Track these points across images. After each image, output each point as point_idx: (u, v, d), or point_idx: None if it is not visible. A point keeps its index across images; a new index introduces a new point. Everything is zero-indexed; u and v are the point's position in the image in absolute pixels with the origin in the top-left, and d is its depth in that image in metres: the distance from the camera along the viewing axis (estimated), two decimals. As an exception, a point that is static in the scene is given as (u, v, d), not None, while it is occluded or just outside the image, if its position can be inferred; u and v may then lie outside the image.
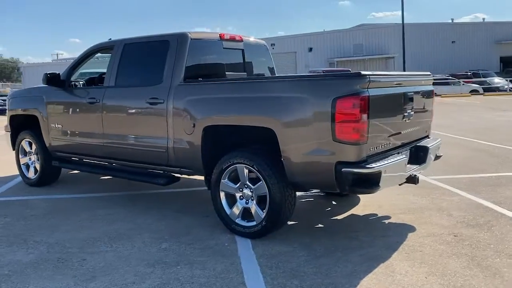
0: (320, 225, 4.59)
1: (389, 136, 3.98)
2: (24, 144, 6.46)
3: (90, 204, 5.53)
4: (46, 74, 5.64)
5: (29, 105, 6.28)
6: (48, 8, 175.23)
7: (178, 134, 4.55)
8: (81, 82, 5.97)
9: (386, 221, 4.67)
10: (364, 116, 3.52)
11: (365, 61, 41.72)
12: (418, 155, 4.48)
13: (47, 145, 6.06)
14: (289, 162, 3.86)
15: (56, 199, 5.80)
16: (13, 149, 6.67)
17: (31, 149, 6.38)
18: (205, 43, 5.02)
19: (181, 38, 4.73)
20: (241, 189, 4.20)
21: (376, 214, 4.91)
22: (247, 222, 4.19)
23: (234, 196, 4.26)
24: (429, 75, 4.85)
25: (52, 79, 5.62)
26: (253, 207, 4.13)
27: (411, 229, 4.40)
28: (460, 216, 4.71)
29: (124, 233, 4.43)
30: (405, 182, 4.23)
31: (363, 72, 3.56)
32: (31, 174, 6.45)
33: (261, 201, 4.07)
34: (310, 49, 42.92)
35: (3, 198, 5.93)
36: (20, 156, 6.56)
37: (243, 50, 5.46)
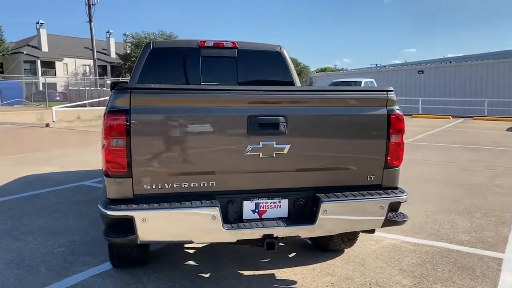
0: (203, 275, 3.66)
1: (206, 174, 2.85)
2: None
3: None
4: (111, 81, 6.50)
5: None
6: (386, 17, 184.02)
7: None
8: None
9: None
10: (118, 141, 2.69)
11: None
12: (308, 210, 2.99)
13: None
14: None
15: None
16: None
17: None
18: (175, 52, 4.72)
19: (145, 47, 4.66)
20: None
21: (293, 282, 3.50)
22: None
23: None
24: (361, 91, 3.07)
25: (113, 87, 6.41)
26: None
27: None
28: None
29: (49, 232, 4.64)
30: (255, 244, 2.94)
31: (124, 84, 2.73)
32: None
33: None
34: None
35: (72, 184, 7.13)
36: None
37: (236, 58, 4.82)
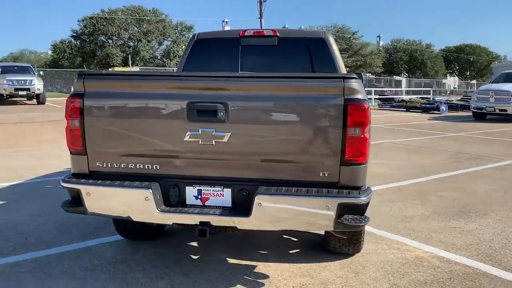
0: (192, 256, 3.77)
1: (149, 157, 2.96)
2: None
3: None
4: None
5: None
6: None
7: None
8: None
9: None
10: (75, 121, 3.00)
11: None
12: (246, 201, 2.86)
13: None
14: None
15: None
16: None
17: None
18: (217, 42, 4.87)
19: (190, 38, 4.95)
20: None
21: (266, 277, 3.36)
22: None
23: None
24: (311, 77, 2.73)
25: None
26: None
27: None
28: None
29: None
30: (192, 229, 2.97)
31: (82, 71, 3.02)
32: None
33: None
34: None
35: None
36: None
37: (276, 46, 4.74)
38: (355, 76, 2.74)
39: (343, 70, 4.63)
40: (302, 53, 4.74)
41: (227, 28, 57.34)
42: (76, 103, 2.98)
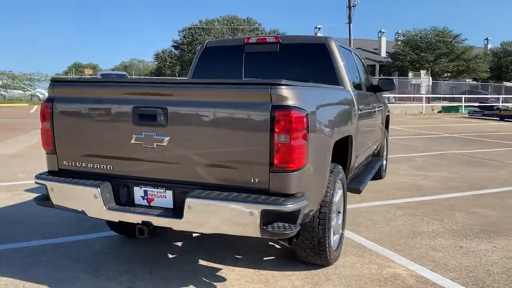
0: (169, 254, 3.92)
1: (104, 158, 3.17)
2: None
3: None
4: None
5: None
6: None
7: None
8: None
9: None
10: (46, 124, 3.33)
11: None
12: (181, 203, 2.94)
13: None
14: None
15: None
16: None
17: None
18: (223, 50, 4.99)
19: (200, 47, 5.16)
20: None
21: (223, 279, 3.39)
22: None
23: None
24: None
25: None
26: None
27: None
28: None
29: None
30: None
31: (53, 78, 3.33)
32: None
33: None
34: None
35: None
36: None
37: (278, 53, 4.75)
38: (284, 83, 2.70)
39: (344, 75, 4.48)
40: (303, 59, 4.69)
41: (319, 34, 57.24)
42: (47, 107, 3.30)
